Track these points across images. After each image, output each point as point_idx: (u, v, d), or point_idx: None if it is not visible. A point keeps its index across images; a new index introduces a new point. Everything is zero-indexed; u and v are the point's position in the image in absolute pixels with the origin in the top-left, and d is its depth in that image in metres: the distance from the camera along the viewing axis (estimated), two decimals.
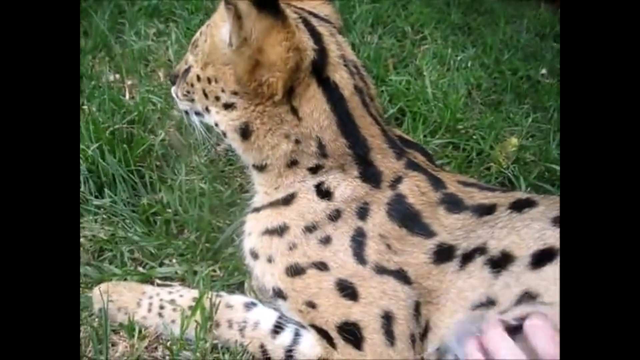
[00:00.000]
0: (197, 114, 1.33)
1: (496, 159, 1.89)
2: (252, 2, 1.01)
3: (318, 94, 1.16)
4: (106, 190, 1.60)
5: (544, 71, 2.74)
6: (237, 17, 1.04)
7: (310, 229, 1.19)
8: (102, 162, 1.61)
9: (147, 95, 2.00)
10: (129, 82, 2.19)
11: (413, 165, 1.27)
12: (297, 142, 1.19)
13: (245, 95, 1.17)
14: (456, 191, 1.23)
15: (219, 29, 1.17)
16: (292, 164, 1.22)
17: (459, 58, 2.67)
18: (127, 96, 2.13)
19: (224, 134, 1.25)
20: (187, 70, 1.29)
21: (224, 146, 1.90)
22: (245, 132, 1.20)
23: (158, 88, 2.12)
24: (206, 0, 2.78)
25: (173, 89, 1.38)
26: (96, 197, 1.60)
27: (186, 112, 1.38)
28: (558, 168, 1.85)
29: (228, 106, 1.20)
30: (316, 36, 1.17)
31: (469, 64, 2.63)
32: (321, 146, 1.19)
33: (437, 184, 1.24)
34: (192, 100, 1.31)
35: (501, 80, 2.57)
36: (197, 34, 1.29)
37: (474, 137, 2.05)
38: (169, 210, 1.55)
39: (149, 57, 2.37)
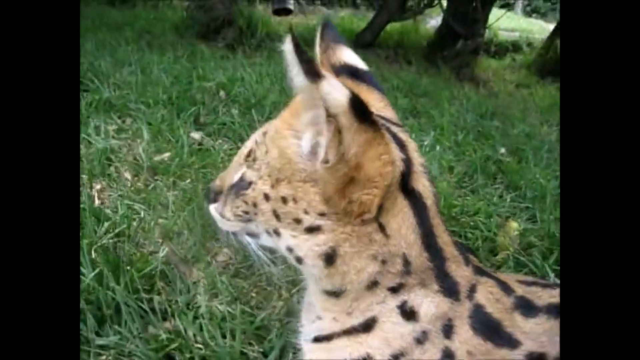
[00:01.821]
0: (251, 234, 1.15)
1: (504, 245, 1.88)
2: (354, 114, 0.90)
3: (405, 207, 1.05)
4: (108, 324, 1.34)
5: (502, 150, 2.86)
6: (338, 131, 0.92)
7: (397, 357, 1.05)
8: (102, 290, 1.35)
9: (130, 203, 1.77)
10: (98, 187, 1.94)
11: (480, 271, 1.19)
12: (384, 262, 1.06)
13: (333, 216, 1.02)
14: (524, 293, 1.17)
15: (287, 139, 1.03)
16: (373, 285, 1.08)
17: (425, 143, 2.71)
18: (97, 202, 1.87)
19: (300, 260, 1.07)
20: (239, 187, 1.12)
21: (222, 258, 1.70)
22: (330, 258, 1.05)
23: (134, 192, 1.90)
24: (162, 94, 2.63)
25: (214, 206, 1.18)
26: (97, 334, 1.32)
27: (233, 233, 1.18)
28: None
29: (312, 229, 1.04)
30: (401, 144, 1.07)
31: (437, 148, 2.68)
32: (407, 263, 1.07)
33: (506, 288, 1.17)
34: (249, 221, 1.12)
35: (469, 162, 2.64)
36: (251, 143, 1.12)
37: (471, 223, 2.03)
38: (199, 345, 1.31)
39: (112, 157, 2.14)
